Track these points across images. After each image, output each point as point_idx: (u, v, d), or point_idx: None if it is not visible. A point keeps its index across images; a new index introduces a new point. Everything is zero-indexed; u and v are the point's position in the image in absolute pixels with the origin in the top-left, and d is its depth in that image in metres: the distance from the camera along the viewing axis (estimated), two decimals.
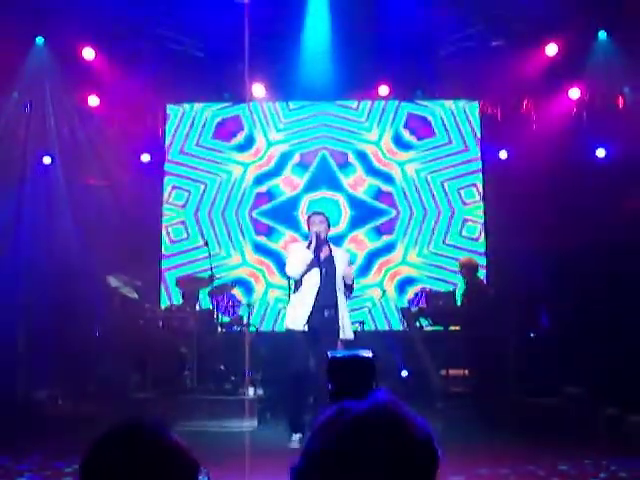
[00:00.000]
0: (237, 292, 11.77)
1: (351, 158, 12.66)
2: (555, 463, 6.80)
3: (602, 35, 11.08)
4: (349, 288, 8.09)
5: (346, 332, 7.86)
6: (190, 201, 12.61)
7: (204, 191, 12.63)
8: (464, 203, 12.52)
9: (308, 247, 7.91)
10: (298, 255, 7.96)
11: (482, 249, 12.25)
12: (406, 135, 12.69)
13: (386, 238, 12.43)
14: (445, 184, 12.56)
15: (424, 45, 11.41)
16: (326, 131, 12.71)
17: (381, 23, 11.06)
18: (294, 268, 7.97)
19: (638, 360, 9.30)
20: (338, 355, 4.02)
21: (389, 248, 12.41)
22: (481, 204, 12.48)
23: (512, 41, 11.24)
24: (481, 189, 12.53)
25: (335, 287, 7.92)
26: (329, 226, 8.22)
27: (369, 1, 10.76)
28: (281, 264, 12.15)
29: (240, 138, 12.74)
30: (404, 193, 12.52)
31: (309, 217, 8.29)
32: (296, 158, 12.67)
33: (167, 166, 12.72)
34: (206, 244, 10.89)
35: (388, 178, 12.60)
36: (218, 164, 12.70)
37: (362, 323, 11.12)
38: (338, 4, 10.84)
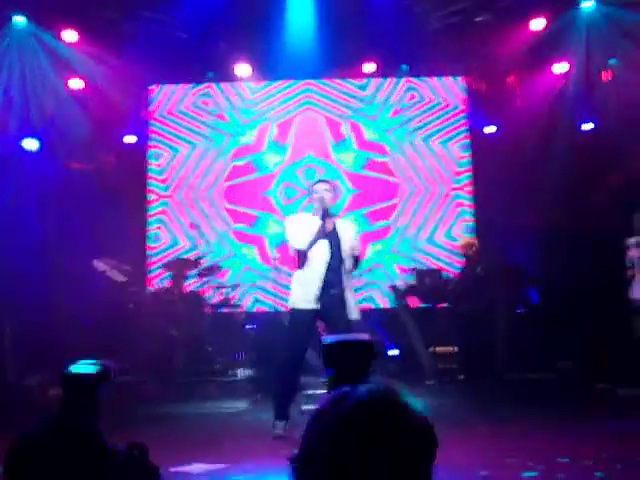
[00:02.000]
0: (223, 274, 11.74)
1: (343, 130, 12.73)
2: (548, 438, 6.76)
3: (587, 8, 11.01)
4: (356, 260, 7.35)
5: (352, 313, 7.27)
6: (169, 163, 12.72)
7: (186, 155, 12.76)
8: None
9: (314, 215, 7.29)
10: (303, 225, 7.34)
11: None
12: (398, 108, 12.80)
13: (380, 222, 12.50)
14: (436, 142, 12.70)
15: (409, 22, 11.32)
16: (317, 106, 12.82)
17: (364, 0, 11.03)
18: (301, 239, 7.25)
19: (625, 333, 9.35)
20: (334, 340, 3.92)
21: (382, 234, 12.49)
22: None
23: (497, 16, 11.20)
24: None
25: (341, 263, 7.32)
26: (335, 195, 7.66)
27: None
28: (262, 247, 12.25)
29: (222, 113, 12.85)
30: (398, 162, 12.64)
31: (313, 185, 7.64)
32: (276, 132, 12.74)
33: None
34: (191, 226, 10.88)
35: (380, 149, 12.70)
36: (201, 129, 12.83)
37: None
38: None
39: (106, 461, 1.90)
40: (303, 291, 7.30)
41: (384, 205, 12.51)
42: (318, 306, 7.20)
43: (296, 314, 7.33)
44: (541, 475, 5.39)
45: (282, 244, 11.16)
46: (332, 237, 7.31)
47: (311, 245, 7.23)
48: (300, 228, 7.34)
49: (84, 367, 3.56)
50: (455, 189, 12.56)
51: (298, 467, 1.66)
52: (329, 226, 7.28)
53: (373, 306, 12.03)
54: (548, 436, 6.75)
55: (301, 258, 7.38)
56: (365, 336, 3.97)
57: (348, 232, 7.46)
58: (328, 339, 3.93)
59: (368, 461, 1.56)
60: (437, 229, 12.46)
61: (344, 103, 12.78)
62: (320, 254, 7.25)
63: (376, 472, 1.55)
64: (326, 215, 7.25)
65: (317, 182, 7.71)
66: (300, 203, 12.07)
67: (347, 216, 11.98)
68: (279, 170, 12.60)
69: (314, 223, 7.24)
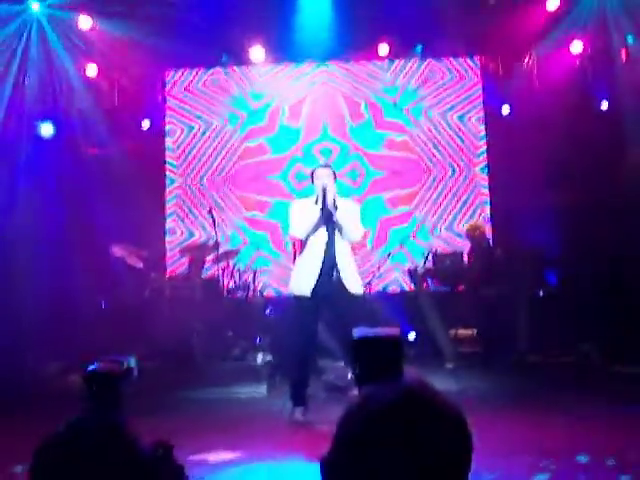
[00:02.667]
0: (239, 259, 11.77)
1: (362, 110, 12.76)
2: (567, 429, 6.60)
3: None
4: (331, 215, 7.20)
5: (353, 287, 7.20)
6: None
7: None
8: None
9: (315, 203, 7.16)
10: (303, 213, 7.27)
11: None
12: (416, 87, 12.85)
13: (401, 208, 12.53)
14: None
15: (422, 1, 11.25)
16: (335, 84, 12.85)
17: None
18: (299, 227, 7.24)
19: None
20: (363, 335, 3.84)
21: (403, 219, 12.52)
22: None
23: None
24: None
25: (342, 246, 7.25)
26: (336, 180, 7.41)
27: None
28: (274, 233, 12.31)
29: (236, 95, 12.94)
30: (418, 139, 12.66)
31: (314, 171, 7.50)
32: (288, 113, 12.81)
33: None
34: (210, 211, 10.86)
35: (399, 127, 12.70)
36: (217, 108, 12.95)
37: (369, 284, 11.08)
38: None
39: (133, 458, 1.90)
40: (302, 278, 7.27)
41: (406, 191, 12.52)
42: (316, 292, 7.17)
43: (297, 301, 7.31)
44: (554, 478, 5.07)
45: None
46: (332, 222, 7.26)
47: (309, 234, 7.21)
48: (301, 215, 7.29)
49: (106, 364, 3.56)
50: (474, 165, 12.54)
51: (329, 469, 1.65)
52: (329, 212, 7.19)
53: (399, 289, 12.11)
54: (567, 427, 6.46)
55: (301, 244, 7.43)
56: (394, 330, 3.90)
57: (349, 211, 7.33)
58: (357, 333, 3.84)
59: (402, 464, 1.54)
60: (457, 217, 12.46)
61: (364, 84, 12.79)
62: (319, 241, 7.23)
63: (410, 473, 1.53)
64: (326, 202, 7.16)
65: (318, 167, 7.61)
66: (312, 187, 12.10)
67: (368, 200, 11.97)
68: (293, 151, 12.64)
69: (314, 210, 7.20)
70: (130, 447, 1.89)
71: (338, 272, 7.20)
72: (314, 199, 7.30)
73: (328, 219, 7.22)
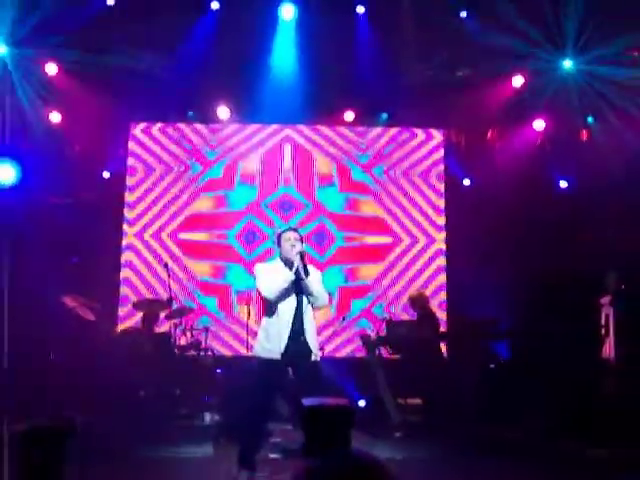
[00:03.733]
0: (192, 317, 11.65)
1: (332, 172, 12.86)
2: None
3: (566, 65, 11.14)
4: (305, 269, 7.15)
5: (314, 352, 7.16)
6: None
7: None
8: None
9: (290, 268, 7.06)
10: (271, 275, 7.16)
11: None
12: (379, 150, 13.03)
13: (360, 281, 12.62)
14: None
15: (391, 72, 11.43)
16: (308, 145, 12.97)
17: (347, 49, 11.16)
18: (271, 289, 7.08)
19: (596, 391, 9.33)
20: (312, 404, 3.82)
21: (359, 292, 12.58)
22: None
23: (479, 71, 11.31)
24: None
25: (308, 309, 7.22)
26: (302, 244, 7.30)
27: (336, 28, 10.81)
28: (224, 296, 12.31)
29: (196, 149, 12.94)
30: (382, 199, 12.80)
31: (281, 234, 7.39)
32: (247, 169, 12.84)
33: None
34: (165, 266, 10.77)
35: (364, 188, 12.81)
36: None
37: (322, 349, 11.03)
38: (306, 30, 10.93)
39: None
40: (269, 342, 7.15)
41: (366, 266, 12.62)
42: (284, 356, 7.09)
43: (261, 364, 7.20)
44: None
45: (244, 292, 11.68)
46: (301, 287, 7.23)
47: (281, 297, 7.13)
48: (269, 277, 7.19)
49: (49, 420, 3.46)
50: (435, 232, 12.71)
51: None
52: (302, 278, 7.14)
53: (355, 355, 12.09)
54: None
55: (268, 306, 7.28)
56: (344, 401, 3.88)
57: (315, 279, 7.29)
58: (307, 402, 3.81)
59: None
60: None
61: (337, 146, 12.93)
62: (288, 305, 7.16)
63: None
64: (300, 266, 7.09)
65: (287, 230, 7.52)
66: (263, 247, 12.37)
67: (328, 269, 11.96)
68: (249, 207, 12.69)
69: (285, 273, 7.13)
70: None
71: (305, 337, 7.15)
72: (279, 263, 7.28)
73: (300, 285, 7.19)
